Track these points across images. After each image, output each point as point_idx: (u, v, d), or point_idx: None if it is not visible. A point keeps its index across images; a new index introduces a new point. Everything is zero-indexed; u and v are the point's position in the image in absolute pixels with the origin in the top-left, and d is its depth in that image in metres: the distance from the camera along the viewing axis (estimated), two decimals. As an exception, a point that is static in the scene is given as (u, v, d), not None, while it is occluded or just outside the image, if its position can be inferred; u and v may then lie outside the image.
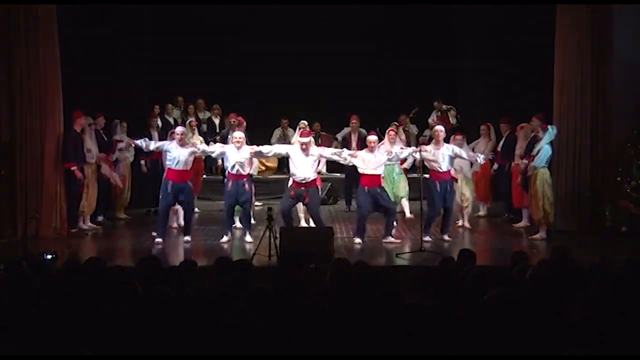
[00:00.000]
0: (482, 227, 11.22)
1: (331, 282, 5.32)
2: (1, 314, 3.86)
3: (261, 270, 7.60)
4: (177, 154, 9.71)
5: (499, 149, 11.42)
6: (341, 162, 10.02)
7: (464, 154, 10.14)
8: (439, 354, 3.60)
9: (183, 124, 13.55)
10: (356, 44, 15.56)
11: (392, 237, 9.73)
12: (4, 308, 4.14)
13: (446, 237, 9.90)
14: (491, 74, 13.92)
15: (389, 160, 9.99)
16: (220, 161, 11.51)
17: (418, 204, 9.90)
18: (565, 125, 10.45)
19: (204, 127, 14.43)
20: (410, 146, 11.87)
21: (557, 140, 10.34)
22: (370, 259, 8.13)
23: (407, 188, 11.32)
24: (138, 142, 10.19)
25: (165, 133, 12.01)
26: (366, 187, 9.61)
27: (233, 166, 9.78)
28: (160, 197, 9.78)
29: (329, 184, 13.43)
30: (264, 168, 11.92)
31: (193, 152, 9.86)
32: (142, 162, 12.12)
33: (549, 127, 10.01)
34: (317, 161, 9.82)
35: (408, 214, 11.15)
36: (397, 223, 10.49)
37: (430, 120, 14.18)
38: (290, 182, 9.92)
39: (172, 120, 13.94)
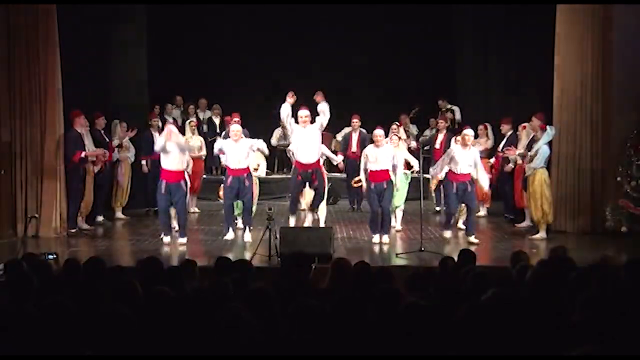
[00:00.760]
0: (482, 227, 11.22)
1: (331, 282, 5.32)
2: (1, 314, 3.86)
3: (261, 270, 7.60)
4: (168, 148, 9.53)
5: (499, 149, 11.41)
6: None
7: (480, 171, 9.91)
8: (439, 354, 3.60)
9: (183, 124, 13.58)
10: (356, 44, 15.58)
11: (380, 236, 9.61)
12: (4, 308, 4.13)
13: (472, 240, 9.71)
14: (491, 74, 13.93)
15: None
16: (222, 161, 11.51)
17: (418, 203, 9.91)
18: (565, 125, 10.45)
19: (204, 127, 14.43)
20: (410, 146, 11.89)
21: (557, 140, 10.35)
22: (370, 259, 8.13)
23: (404, 198, 11.15)
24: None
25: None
26: (373, 184, 9.57)
27: (232, 160, 9.75)
28: (157, 197, 9.77)
29: (329, 184, 13.40)
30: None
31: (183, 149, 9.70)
32: (144, 162, 12.11)
33: (547, 127, 10.02)
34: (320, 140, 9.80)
35: (398, 227, 10.74)
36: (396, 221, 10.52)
37: (433, 120, 14.19)
38: (294, 166, 9.88)
39: (171, 120, 13.95)
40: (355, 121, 12.67)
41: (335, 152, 12.31)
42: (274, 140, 14.02)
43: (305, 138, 9.61)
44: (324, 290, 5.22)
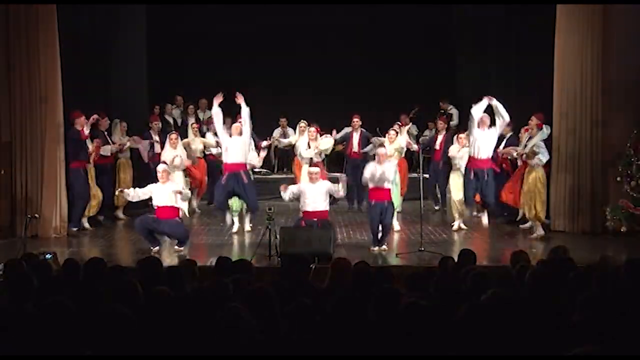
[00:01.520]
0: (482, 227, 11.20)
1: (331, 282, 5.32)
2: (1, 314, 3.86)
3: (261, 270, 7.60)
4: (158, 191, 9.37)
5: (499, 150, 11.39)
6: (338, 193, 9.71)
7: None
8: (439, 354, 3.60)
9: (183, 124, 13.59)
10: (356, 44, 15.57)
11: (378, 247, 9.47)
12: (4, 308, 4.13)
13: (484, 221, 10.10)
14: (491, 74, 13.91)
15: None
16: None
17: (418, 203, 9.91)
18: (565, 125, 10.45)
19: (204, 127, 14.41)
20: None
21: (556, 140, 10.35)
22: (370, 259, 8.12)
23: (400, 200, 11.12)
24: (128, 191, 9.59)
25: (165, 133, 12.03)
26: (373, 201, 9.31)
27: (227, 153, 9.84)
28: (141, 221, 9.30)
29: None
30: None
31: (176, 191, 9.37)
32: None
33: (543, 126, 10.02)
34: (328, 194, 9.55)
35: (397, 227, 10.64)
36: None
37: (431, 123, 14.21)
38: (300, 214, 9.61)
39: (171, 120, 13.97)
40: (356, 120, 12.62)
41: (334, 150, 12.32)
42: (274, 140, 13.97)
43: (312, 188, 9.48)
44: (324, 290, 5.22)
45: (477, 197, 10.81)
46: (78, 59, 11.51)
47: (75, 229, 10.54)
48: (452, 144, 11.15)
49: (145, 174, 12.11)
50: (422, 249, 9.08)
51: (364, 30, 15.59)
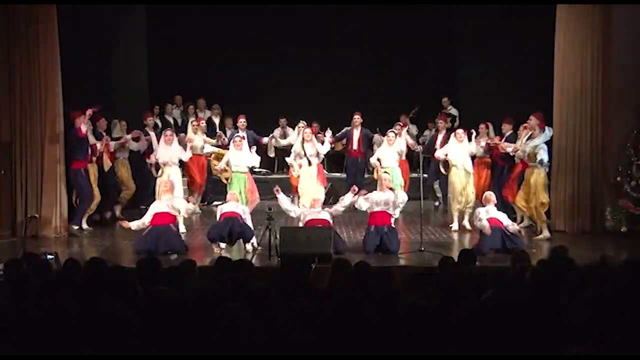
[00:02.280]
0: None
1: (331, 282, 5.32)
2: (1, 314, 3.86)
3: (261, 270, 7.60)
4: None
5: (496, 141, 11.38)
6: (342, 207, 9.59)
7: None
8: (439, 354, 3.60)
9: (183, 124, 13.59)
10: (356, 44, 15.57)
11: None
12: (4, 308, 4.13)
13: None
14: (491, 74, 13.91)
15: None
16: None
17: (418, 203, 9.90)
18: (565, 125, 10.45)
19: (204, 127, 14.41)
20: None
21: (557, 141, 10.34)
22: (370, 259, 8.11)
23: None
24: (131, 224, 9.34)
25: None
26: (373, 226, 9.14)
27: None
28: (141, 242, 9.08)
29: (329, 184, 13.41)
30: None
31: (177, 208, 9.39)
32: (148, 160, 12.08)
33: (545, 128, 10.02)
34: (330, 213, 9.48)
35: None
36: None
37: (431, 124, 14.23)
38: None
39: (171, 120, 13.96)
40: (357, 117, 12.52)
41: (333, 147, 12.33)
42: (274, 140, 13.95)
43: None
44: (324, 290, 5.22)
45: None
46: (78, 59, 11.51)
47: (76, 227, 10.53)
48: None
49: (142, 174, 12.12)
50: (422, 249, 9.07)
51: (364, 30, 15.58)
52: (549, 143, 10.19)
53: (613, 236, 10.06)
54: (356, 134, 12.57)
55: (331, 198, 13.57)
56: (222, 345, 3.62)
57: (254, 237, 9.16)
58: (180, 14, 15.02)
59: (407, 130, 13.25)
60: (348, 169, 12.72)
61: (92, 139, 10.84)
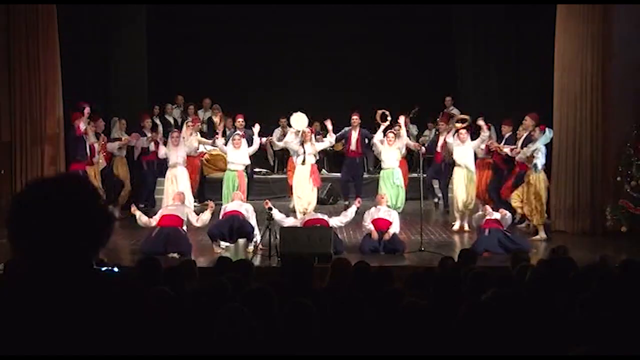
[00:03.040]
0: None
1: (331, 282, 5.32)
2: (1, 314, 3.85)
3: (261, 270, 7.60)
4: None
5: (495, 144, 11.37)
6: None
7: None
8: (439, 354, 3.60)
9: (183, 124, 13.57)
10: (356, 44, 15.58)
11: None
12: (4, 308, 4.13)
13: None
14: (491, 74, 13.92)
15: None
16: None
17: (418, 203, 9.89)
18: (565, 125, 10.45)
19: (204, 127, 14.41)
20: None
21: (556, 140, 10.35)
22: (370, 259, 8.11)
23: (404, 199, 11.14)
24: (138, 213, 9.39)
25: (166, 133, 12.03)
26: (374, 230, 9.17)
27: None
28: (148, 243, 9.07)
29: (329, 184, 13.42)
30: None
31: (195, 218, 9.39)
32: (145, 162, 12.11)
33: (546, 129, 10.01)
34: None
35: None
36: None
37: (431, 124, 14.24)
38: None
39: (172, 120, 13.96)
40: (355, 118, 12.53)
41: (334, 149, 12.33)
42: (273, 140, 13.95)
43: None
44: (323, 290, 5.21)
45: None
46: (78, 59, 11.52)
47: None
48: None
49: (140, 173, 12.11)
50: (422, 249, 9.07)
51: (364, 30, 15.57)
52: (548, 144, 10.19)
53: (613, 236, 10.05)
54: (354, 134, 12.56)
55: (331, 198, 13.59)
56: (222, 345, 3.62)
57: (256, 234, 9.10)
58: (181, 14, 15.01)
59: (407, 131, 13.25)
60: (343, 169, 12.68)
61: (92, 138, 10.84)
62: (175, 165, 10.78)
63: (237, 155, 10.72)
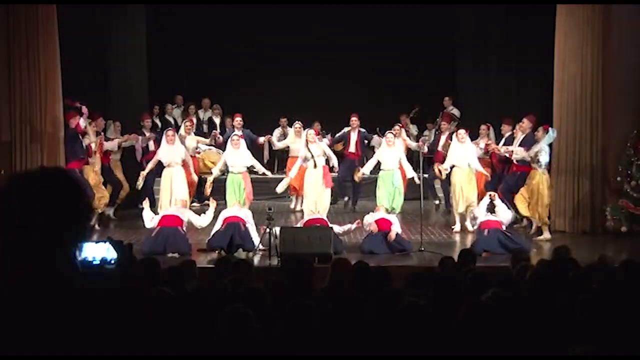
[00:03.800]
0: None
1: (331, 282, 5.32)
2: (1, 314, 3.85)
3: (261, 270, 7.59)
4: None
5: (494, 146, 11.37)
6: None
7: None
8: (439, 354, 3.60)
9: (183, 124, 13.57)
10: (356, 44, 15.57)
11: None
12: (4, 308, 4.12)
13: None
14: (491, 74, 13.92)
15: None
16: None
17: (418, 203, 9.89)
18: (565, 125, 10.46)
19: (204, 127, 14.40)
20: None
21: (557, 140, 10.35)
22: (370, 259, 8.11)
23: (401, 202, 11.16)
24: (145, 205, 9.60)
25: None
26: (377, 231, 9.21)
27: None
28: (149, 242, 9.05)
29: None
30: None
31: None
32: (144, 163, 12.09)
33: (549, 129, 10.00)
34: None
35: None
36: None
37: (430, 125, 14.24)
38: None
39: (172, 120, 13.95)
40: (354, 119, 12.48)
41: (334, 150, 12.31)
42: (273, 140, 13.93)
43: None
44: (323, 290, 5.21)
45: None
46: (78, 59, 11.52)
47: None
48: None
49: (136, 174, 12.08)
50: (422, 249, 9.07)
51: (364, 30, 15.58)
52: (550, 143, 10.19)
53: (613, 236, 10.06)
54: (353, 136, 12.51)
55: (331, 198, 13.58)
56: (222, 345, 3.62)
57: (257, 241, 9.07)
58: (181, 13, 15.02)
59: (407, 131, 13.25)
60: (341, 168, 12.63)
61: (92, 137, 10.83)
62: (171, 164, 10.75)
63: (237, 158, 10.59)
